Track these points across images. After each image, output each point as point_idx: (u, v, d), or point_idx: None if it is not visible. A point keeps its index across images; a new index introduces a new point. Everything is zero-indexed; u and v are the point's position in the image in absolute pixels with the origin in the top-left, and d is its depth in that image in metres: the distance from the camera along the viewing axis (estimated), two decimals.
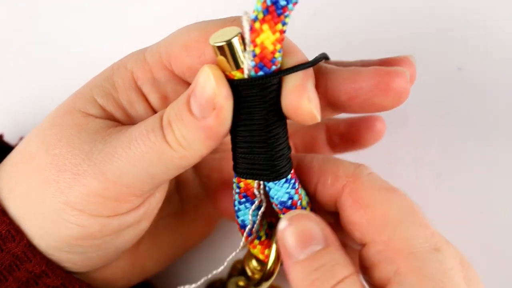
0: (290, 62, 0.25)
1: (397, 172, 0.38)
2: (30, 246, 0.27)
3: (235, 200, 0.28)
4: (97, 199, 0.26)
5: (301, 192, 0.27)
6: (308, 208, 0.28)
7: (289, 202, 0.27)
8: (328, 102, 0.27)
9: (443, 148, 0.38)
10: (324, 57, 0.28)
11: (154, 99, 0.28)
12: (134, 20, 0.41)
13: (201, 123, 0.24)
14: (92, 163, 0.26)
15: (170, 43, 0.27)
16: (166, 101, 0.28)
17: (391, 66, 0.28)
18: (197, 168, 0.34)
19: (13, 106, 0.39)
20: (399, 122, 0.39)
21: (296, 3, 0.23)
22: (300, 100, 0.24)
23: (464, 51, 0.39)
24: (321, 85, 0.26)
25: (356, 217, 0.26)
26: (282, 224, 0.26)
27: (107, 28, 0.41)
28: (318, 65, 0.27)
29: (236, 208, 0.28)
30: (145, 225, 0.29)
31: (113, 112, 0.28)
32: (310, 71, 0.25)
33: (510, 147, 0.38)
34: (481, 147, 0.38)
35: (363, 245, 0.26)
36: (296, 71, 0.25)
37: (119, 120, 0.28)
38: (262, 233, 0.29)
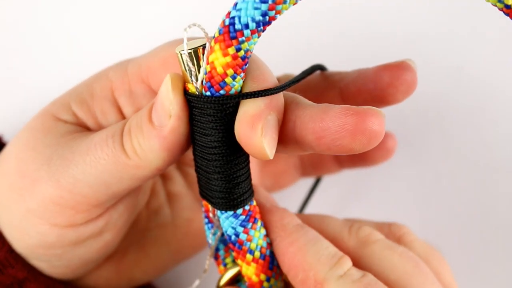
0: (252, 88, 0.23)
1: (397, 172, 0.38)
2: (12, 252, 0.27)
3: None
4: (53, 207, 0.26)
5: (254, 234, 0.26)
6: (257, 253, 0.26)
7: (234, 238, 0.25)
8: (296, 140, 0.24)
9: (443, 148, 0.38)
10: (309, 72, 0.26)
11: (128, 112, 0.28)
12: (137, 22, 0.41)
13: (157, 132, 0.24)
14: (49, 169, 0.25)
15: (150, 57, 0.27)
16: None
17: (392, 71, 0.27)
18: (192, 182, 0.34)
19: (13, 106, 0.39)
20: (399, 122, 0.39)
21: (259, 32, 0.21)
22: (251, 132, 0.23)
23: (464, 51, 0.39)
24: (289, 121, 0.24)
25: None
26: None
27: (109, 29, 0.41)
28: (291, 99, 0.25)
29: (205, 226, 0.27)
30: (109, 237, 0.28)
31: (85, 120, 0.28)
32: (277, 103, 0.23)
33: (510, 147, 0.38)
34: (481, 147, 0.38)
35: None
36: (240, 99, 0.23)
37: (90, 128, 0.28)
38: (228, 260, 0.27)
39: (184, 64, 0.23)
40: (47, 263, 0.28)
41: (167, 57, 0.26)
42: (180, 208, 0.33)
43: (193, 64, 0.23)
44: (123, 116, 0.28)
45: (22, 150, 0.27)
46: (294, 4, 0.21)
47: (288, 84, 0.24)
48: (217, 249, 0.27)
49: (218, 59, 0.22)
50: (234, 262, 0.28)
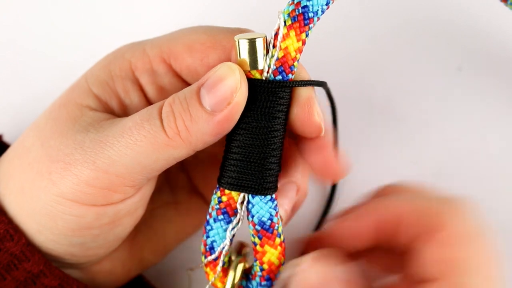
0: (299, 76, 0.26)
1: (397, 170, 0.38)
2: (28, 245, 0.27)
3: (210, 217, 0.27)
4: (88, 189, 0.26)
5: (279, 217, 0.27)
6: (282, 236, 0.27)
7: (268, 222, 0.26)
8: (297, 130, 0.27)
9: (443, 147, 0.38)
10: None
11: (150, 90, 0.28)
12: (135, 19, 0.41)
13: (210, 117, 0.24)
14: (83, 151, 0.26)
15: (172, 40, 0.27)
16: (162, 93, 0.28)
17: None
18: (182, 163, 0.34)
19: (13, 106, 0.39)
20: (399, 121, 0.39)
21: (319, 18, 0.24)
22: (312, 112, 0.26)
23: (464, 51, 0.39)
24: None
25: (439, 254, 0.25)
26: (305, 264, 0.25)
27: (107, 27, 0.41)
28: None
29: (208, 227, 0.27)
30: (141, 212, 0.29)
31: (108, 101, 0.28)
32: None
33: (510, 147, 0.38)
34: (480, 147, 0.38)
35: (431, 280, 0.25)
36: (314, 85, 0.26)
37: (113, 109, 0.28)
38: (226, 259, 0.27)
39: (252, 51, 0.25)
40: (81, 246, 0.28)
41: (192, 42, 0.27)
42: (177, 186, 0.34)
43: (255, 52, 0.25)
44: (145, 95, 0.28)
45: (50, 138, 0.27)
46: None
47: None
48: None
49: (292, 44, 0.24)
50: (230, 260, 0.28)
